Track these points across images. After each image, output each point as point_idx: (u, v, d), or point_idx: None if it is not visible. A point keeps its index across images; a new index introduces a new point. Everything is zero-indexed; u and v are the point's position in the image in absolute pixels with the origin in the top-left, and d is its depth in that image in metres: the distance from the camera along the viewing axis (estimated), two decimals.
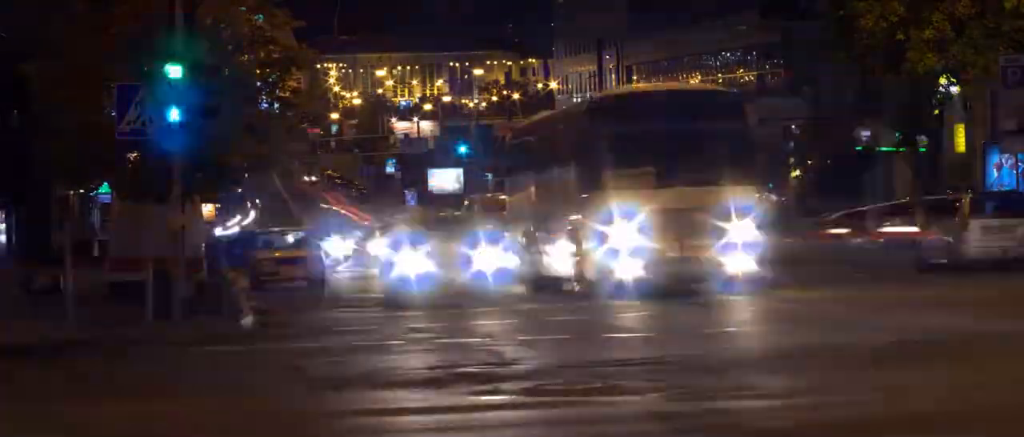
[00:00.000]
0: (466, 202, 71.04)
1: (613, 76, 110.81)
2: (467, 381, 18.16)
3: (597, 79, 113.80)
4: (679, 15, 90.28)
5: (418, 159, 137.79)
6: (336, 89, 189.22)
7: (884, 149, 61.68)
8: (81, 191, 54.29)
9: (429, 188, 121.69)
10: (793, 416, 14.87)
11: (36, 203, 45.60)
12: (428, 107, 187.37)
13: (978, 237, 36.90)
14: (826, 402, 15.55)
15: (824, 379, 17.26)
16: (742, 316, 27.90)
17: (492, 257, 35.50)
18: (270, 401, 17.73)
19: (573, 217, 33.37)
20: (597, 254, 32.13)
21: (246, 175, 54.88)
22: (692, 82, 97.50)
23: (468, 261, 35.53)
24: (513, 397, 16.85)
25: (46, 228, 45.70)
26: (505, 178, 47.46)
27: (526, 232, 37.43)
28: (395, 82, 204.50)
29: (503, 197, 48.68)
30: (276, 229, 56.16)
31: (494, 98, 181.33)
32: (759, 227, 32.20)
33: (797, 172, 73.00)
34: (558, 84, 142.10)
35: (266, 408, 17.08)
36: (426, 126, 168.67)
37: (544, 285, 35.84)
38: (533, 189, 38.17)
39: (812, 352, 20.18)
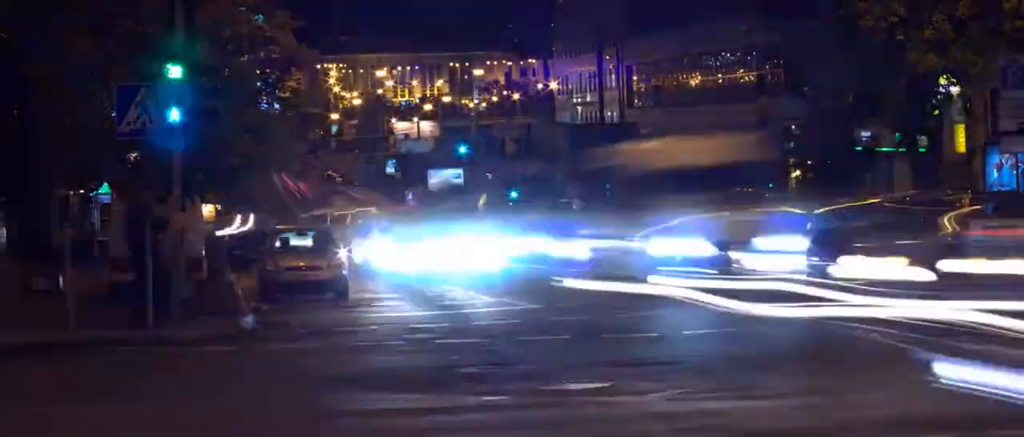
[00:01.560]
0: None
1: (613, 76, 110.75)
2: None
3: (597, 79, 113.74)
4: (679, 15, 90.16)
5: (418, 159, 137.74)
6: (336, 89, 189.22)
7: (884, 149, 61.62)
8: (81, 191, 54.26)
9: (429, 188, 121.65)
10: None
11: (36, 203, 45.56)
12: (428, 107, 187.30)
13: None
14: None
15: None
16: None
17: None
18: (269, 402, 17.72)
19: None
20: None
21: (247, 177, 54.75)
22: (692, 83, 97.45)
23: None
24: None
25: (46, 228, 45.65)
26: None
27: None
28: (395, 82, 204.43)
29: None
30: (289, 227, 51.52)
31: (494, 98, 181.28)
32: None
33: (797, 172, 72.93)
34: (558, 84, 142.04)
35: (264, 408, 17.07)
36: (426, 126, 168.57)
37: None
38: None
39: None
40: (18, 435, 15.82)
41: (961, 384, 15.82)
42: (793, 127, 73.72)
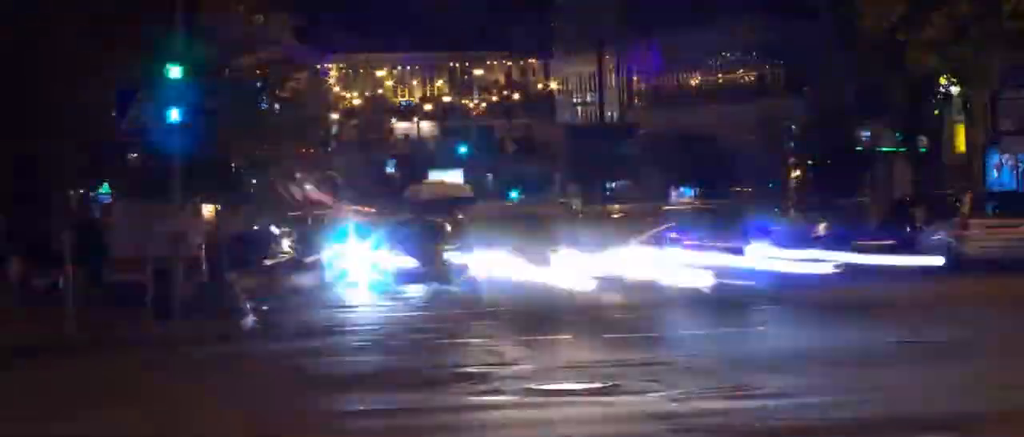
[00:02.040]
0: None
1: (613, 76, 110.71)
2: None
3: (597, 80, 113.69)
4: (679, 15, 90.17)
5: (418, 159, 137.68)
6: (336, 89, 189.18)
7: (884, 149, 61.59)
8: (81, 191, 54.22)
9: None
10: None
11: (36, 202, 45.51)
12: (428, 107, 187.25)
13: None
14: None
15: None
16: None
17: None
18: (269, 401, 17.73)
19: None
20: None
21: (248, 177, 54.75)
22: (692, 82, 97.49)
23: None
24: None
25: (46, 228, 45.58)
26: None
27: None
28: (395, 82, 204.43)
29: None
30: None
31: (494, 98, 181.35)
32: None
33: (797, 172, 72.94)
34: (558, 84, 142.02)
35: (264, 408, 17.08)
36: (426, 126, 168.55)
37: None
38: None
39: None
40: (17, 436, 15.82)
41: None
42: (793, 127, 73.71)
